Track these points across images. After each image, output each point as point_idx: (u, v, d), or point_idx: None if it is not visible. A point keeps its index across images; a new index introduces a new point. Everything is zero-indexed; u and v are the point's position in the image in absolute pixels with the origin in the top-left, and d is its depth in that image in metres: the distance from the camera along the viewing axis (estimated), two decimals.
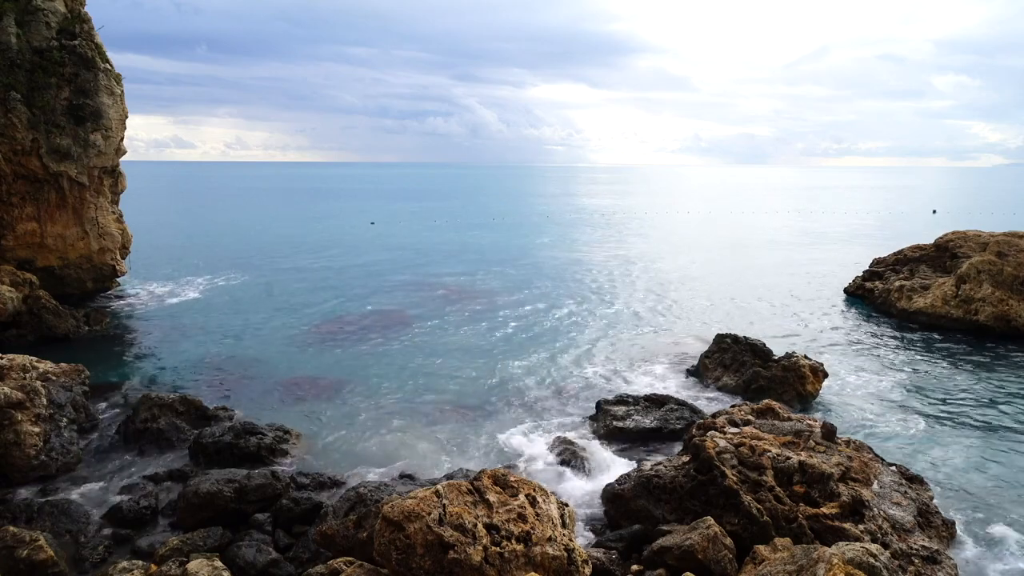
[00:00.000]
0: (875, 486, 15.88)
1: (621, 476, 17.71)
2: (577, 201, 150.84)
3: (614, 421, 21.75)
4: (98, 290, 40.07)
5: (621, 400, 23.29)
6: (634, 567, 14.29)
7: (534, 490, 13.30)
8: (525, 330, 35.05)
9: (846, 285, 44.84)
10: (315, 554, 14.64)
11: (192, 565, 13.08)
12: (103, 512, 16.75)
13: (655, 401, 23.17)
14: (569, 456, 19.54)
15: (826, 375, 25.92)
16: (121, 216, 40.81)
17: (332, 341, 32.74)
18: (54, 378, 21.57)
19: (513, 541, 11.97)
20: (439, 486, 12.79)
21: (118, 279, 41.83)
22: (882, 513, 14.85)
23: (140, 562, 13.84)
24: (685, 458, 16.77)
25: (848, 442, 17.66)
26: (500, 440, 21.68)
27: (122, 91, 38.13)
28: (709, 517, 14.47)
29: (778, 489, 15.10)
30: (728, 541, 14.05)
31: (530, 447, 21.08)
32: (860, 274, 44.60)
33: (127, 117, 38.84)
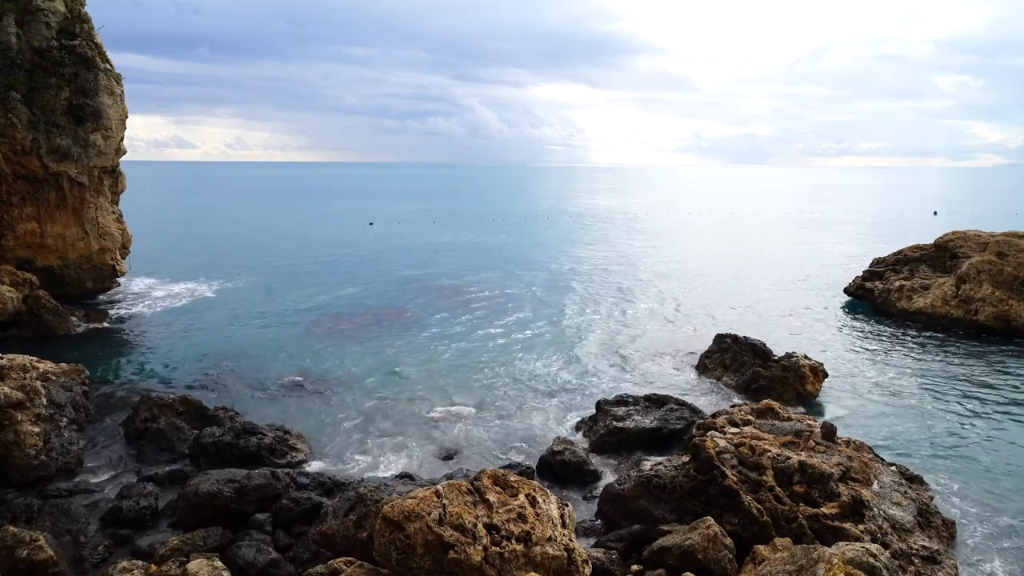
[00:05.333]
0: (875, 486, 15.88)
1: (621, 476, 17.72)
2: (578, 201, 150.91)
3: (614, 421, 21.73)
4: (98, 290, 40.06)
5: (621, 400, 23.29)
6: (634, 567, 14.29)
7: (534, 490, 13.29)
8: (524, 330, 35.05)
9: (846, 285, 44.81)
10: (315, 554, 14.63)
11: (192, 565, 13.08)
12: (103, 512, 16.76)
13: (655, 401, 23.17)
14: (569, 456, 19.52)
15: (826, 375, 25.93)
16: (121, 216, 40.81)
17: (332, 341, 32.74)
18: (54, 378, 21.57)
19: (513, 541, 11.97)
20: (439, 486, 12.79)
21: (118, 279, 41.82)
22: (882, 513, 14.86)
23: (140, 562, 13.83)
24: (685, 458, 16.77)
25: (848, 442, 17.66)
26: (500, 439, 21.70)
27: (122, 91, 38.13)
28: (709, 517, 14.46)
29: (778, 489, 15.10)
30: (728, 541, 14.05)
31: (530, 447, 21.09)
32: (860, 274, 44.57)
33: (127, 117, 38.83)
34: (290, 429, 21.55)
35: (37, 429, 18.78)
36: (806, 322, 36.99)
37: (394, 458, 20.29)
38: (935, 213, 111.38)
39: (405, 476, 18.48)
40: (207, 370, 28.21)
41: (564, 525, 12.98)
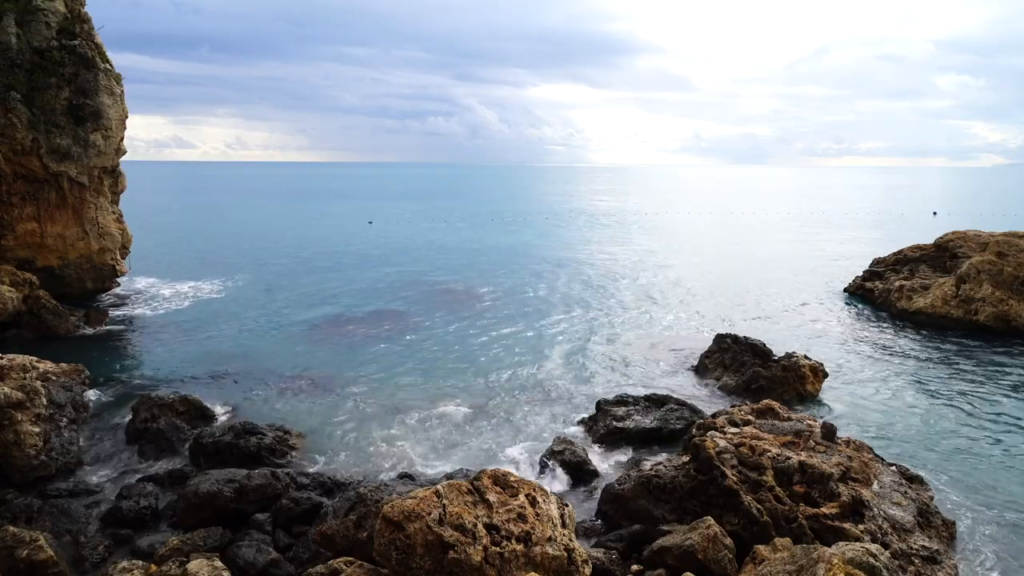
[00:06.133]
0: (875, 486, 15.88)
1: (621, 476, 17.71)
2: (578, 201, 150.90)
3: (614, 421, 21.74)
4: (98, 290, 40.05)
5: (621, 400, 23.29)
6: (634, 567, 14.29)
7: (534, 490, 13.30)
8: (524, 330, 35.04)
9: (846, 285, 44.85)
10: (315, 554, 14.64)
11: (192, 565, 13.08)
12: (103, 512, 16.76)
13: (655, 401, 23.17)
14: (569, 456, 19.53)
15: (826, 375, 25.93)
16: (121, 216, 40.81)
17: (332, 341, 32.74)
18: (54, 378, 21.58)
19: (513, 541, 11.98)
20: (439, 486, 12.79)
21: (118, 279, 41.82)
22: (882, 513, 14.86)
23: (140, 562, 13.84)
24: (685, 458, 16.78)
25: (848, 442, 17.66)
26: (500, 440, 21.69)
27: (122, 91, 38.12)
28: (709, 517, 14.47)
29: (778, 489, 15.11)
30: (728, 541, 14.05)
31: (530, 447, 21.08)
32: (860, 274, 44.62)
33: (127, 117, 38.83)
34: (290, 429, 21.57)
35: (37, 429, 18.78)
36: (806, 322, 36.98)
37: (394, 458, 20.28)
38: (935, 213, 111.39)
39: (405, 476, 18.49)
40: (207, 370, 28.20)
41: (564, 525, 12.98)
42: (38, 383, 20.17)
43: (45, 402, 19.79)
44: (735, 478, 15.33)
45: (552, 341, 32.98)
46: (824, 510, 14.56)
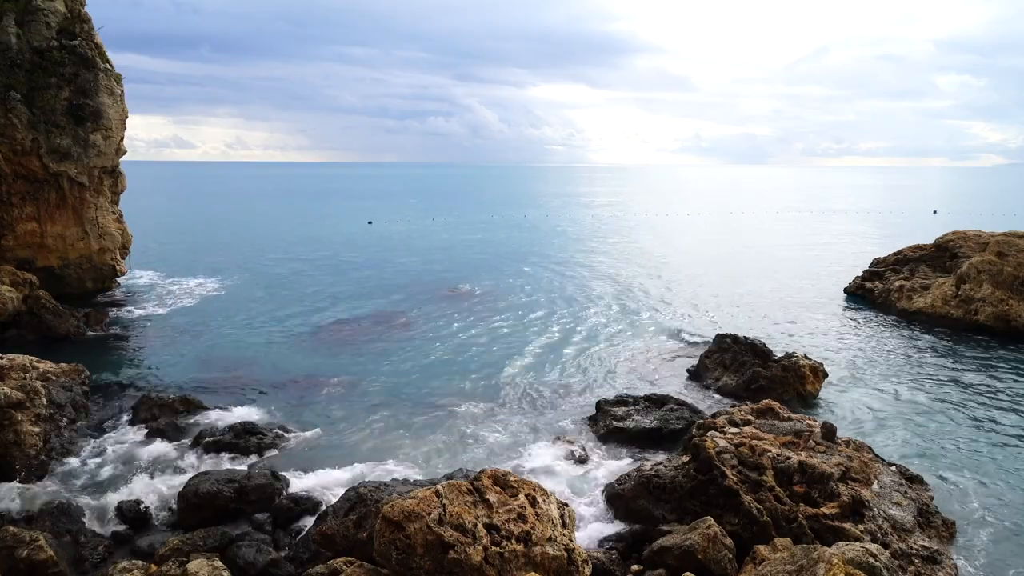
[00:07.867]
0: (875, 486, 15.88)
1: (621, 476, 17.71)
2: (578, 201, 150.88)
3: (614, 421, 21.74)
4: (98, 290, 40.07)
5: (621, 400, 23.28)
6: (634, 567, 14.30)
7: (534, 490, 13.30)
8: (525, 330, 35.04)
9: (846, 285, 44.83)
10: (315, 554, 14.64)
11: (192, 565, 13.08)
12: (103, 512, 16.75)
13: (655, 401, 23.16)
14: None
15: (826, 375, 25.92)
16: (121, 216, 40.81)
17: (331, 341, 32.74)
18: (54, 378, 21.58)
19: (513, 541, 11.98)
20: (439, 486, 12.80)
21: (118, 279, 41.84)
22: (882, 513, 14.86)
23: (140, 562, 13.84)
24: (685, 458, 16.78)
25: (848, 442, 17.66)
26: (500, 440, 21.68)
27: (122, 91, 38.13)
28: (709, 517, 14.47)
29: (778, 489, 15.11)
30: (728, 541, 14.06)
31: (530, 447, 21.07)
32: (860, 274, 44.61)
33: (127, 117, 38.83)
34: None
35: (37, 429, 18.79)
36: (806, 322, 36.98)
37: (394, 458, 20.27)
38: (935, 212, 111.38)
39: (405, 476, 18.48)
40: (207, 370, 28.20)
41: (564, 525, 12.99)
42: (38, 383, 20.17)
43: (45, 402, 19.79)
44: (735, 478, 15.33)
45: (552, 341, 32.97)
46: (824, 510, 14.56)
